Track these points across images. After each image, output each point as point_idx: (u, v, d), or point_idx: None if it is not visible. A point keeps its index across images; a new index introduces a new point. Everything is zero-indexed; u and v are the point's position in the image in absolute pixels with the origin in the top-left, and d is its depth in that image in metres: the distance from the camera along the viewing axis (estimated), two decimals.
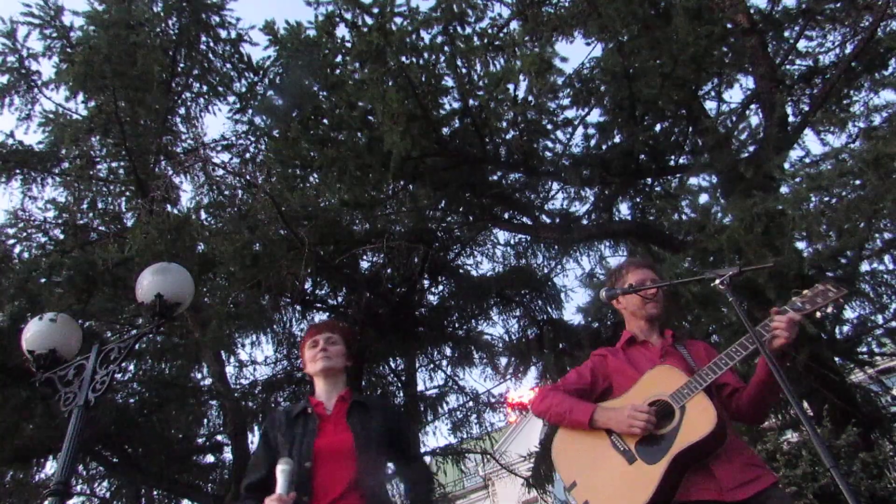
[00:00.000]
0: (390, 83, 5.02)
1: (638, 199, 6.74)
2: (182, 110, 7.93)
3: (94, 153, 7.41)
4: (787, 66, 6.67)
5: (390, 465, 2.32)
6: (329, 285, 7.82)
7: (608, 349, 2.48)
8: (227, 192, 7.42)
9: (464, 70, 5.32)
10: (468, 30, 5.36)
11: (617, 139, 6.01)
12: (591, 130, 6.12)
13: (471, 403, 8.75)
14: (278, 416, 2.30)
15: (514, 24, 6.60)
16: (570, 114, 6.03)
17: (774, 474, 2.15)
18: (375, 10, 5.16)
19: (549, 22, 6.36)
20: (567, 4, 6.42)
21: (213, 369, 7.29)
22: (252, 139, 7.69)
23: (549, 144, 6.06)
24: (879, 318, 5.53)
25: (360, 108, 5.22)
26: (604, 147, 6.01)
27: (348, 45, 5.58)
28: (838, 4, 6.18)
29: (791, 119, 6.03)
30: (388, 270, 7.37)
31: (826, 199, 4.18)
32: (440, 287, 8.55)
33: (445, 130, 5.57)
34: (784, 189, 4.65)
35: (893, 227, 4.42)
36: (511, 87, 5.19)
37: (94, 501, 7.85)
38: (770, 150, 4.89)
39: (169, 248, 5.35)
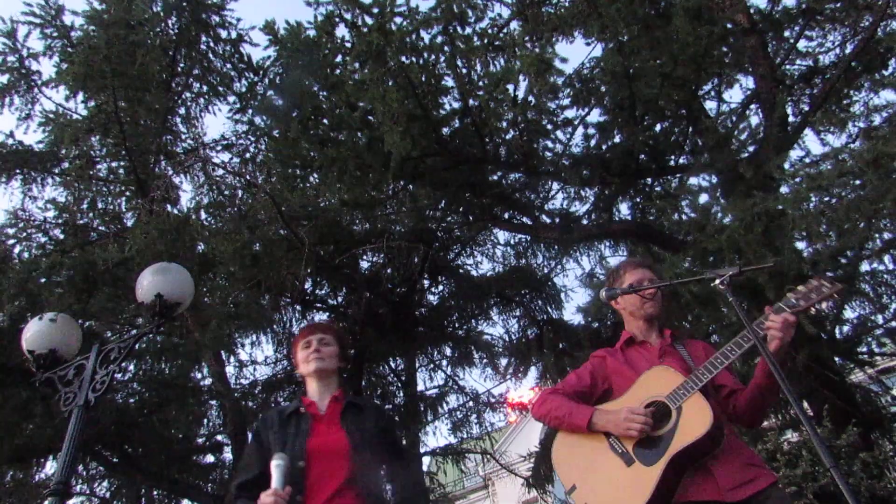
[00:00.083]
0: (390, 83, 5.02)
1: (638, 199, 6.74)
2: (182, 110, 7.93)
3: (94, 153, 7.40)
4: (787, 66, 6.67)
5: (384, 466, 2.33)
6: (329, 285, 7.82)
7: (607, 350, 2.48)
8: (227, 192, 7.42)
9: (464, 70, 5.32)
10: (468, 30, 5.37)
11: (617, 139, 6.01)
12: (591, 130, 6.13)
13: (471, 403, 8.76)
14: (270, 416, 2.29)
15: (514, 24, 6.61)
16: (570, 114, 6.04)
17: (774, 474, 2.15)
18: (375, 10, 5.16)
19: (549, 22, 6.35)
20: (567, 4, 6.41)
21: (213, 369, 7.30)
22: (252, 139, 7.70)
23: (549, 144, 6.07)
24: (879, 318, 5.54)
25: (361, 108, 5.22)
26: (604, 147, 6.01)
27: (348, 45, 5.58)
28: (838, 4, 6.17)
29: (791, 119, 6.03)
30: (388, 270, 7.38)
31: (826, 199, 4.18)
32: (440, 287, 8.56)
33: (445, 130, 5.57)
34: (784, 189, 4.65)
35: (893, 227, 4.42)
36: (511, 87, 5.20)
37: (94, 501, 7.84)
38: (770, 150, 4.89)
39: (169, 248, 5.35)
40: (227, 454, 7.76)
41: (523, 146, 5.70)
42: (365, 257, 7.71)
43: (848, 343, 5.59)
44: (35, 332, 3.77)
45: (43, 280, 5.57)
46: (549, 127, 5.87)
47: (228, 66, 7.66)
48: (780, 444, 5.15)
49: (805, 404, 5.33)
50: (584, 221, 6.84)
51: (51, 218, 7.25)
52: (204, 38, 7.45)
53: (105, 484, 7.76)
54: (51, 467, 6.92)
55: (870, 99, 6.01)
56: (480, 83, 5.29)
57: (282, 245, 5.94)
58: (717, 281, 2.07)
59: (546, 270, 8.48)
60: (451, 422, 8.66)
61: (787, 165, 4.87)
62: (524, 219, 6.93)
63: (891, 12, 5.60)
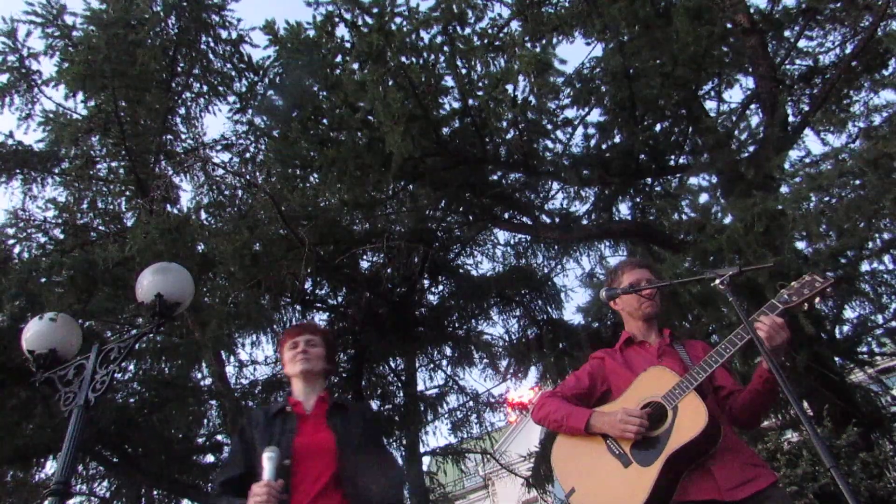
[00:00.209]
0: (390, 83, 5.02)
1: (638, 199, 6.74)
2: (182, 110, 7.92)
3: (93, 153, 7.41)
4: (787, 66, 6.67)
5: (367, 465, 2.34)
6: (329, 285, 7.82)
7: (606, 351, 2.48)
8: (227, 192, 7.42)
9: (463, 70, 5.32)
10: (468, 30, 5.37)
11: (617, 139, 6.01)
12: (591, 130, 6.13)
13: (471, 403, 8.76)
14: (256, 414, 2.30)
15: (514, 24, 6.61)
16: (570, 114, 6.04)
17: (774, 473, 2.15)
18: (375, 10, 5.16)
19: (549, 22, 6.35)
20: (567, 4, 6.41)
21: (213, 369, 7.29)
22: (252, 139, 7.69)
23: (549, 144, 6.07)
24: (879, 318, 5.54)
25: (361, 108, 5.22)
26: (604, 147, 6.01)
27: (348, 45, 5.58)
28: (838, 4, 6.17)
29: (791, 119, 6.03)
30: (388, 270, 7.38)
31: (826, 198, 4.18)
32: (440, 287, 8.56)
33: (445, 130, 5.57)
34: (784, 189, 4.65)
35: (893, 227, 4.42)
36: (511, 87, 5.20)
37: (93, 501, 7.84)
38: (770, 150, 4.89)
39: (169, 248, 5.35)
40: (227, 454, 7.76)
41: (523, 146, 5.70)
42: (365, 257, 7.71)
43: (848, 343, 5.59)
44: (35, 332, 3.77)
45: (43, 280, 5.57)
46: (549, 127, 5.88)
47: (228, 66, 7.66)
48: (780, 444, 5.15)
49: (805, 404, 5.33)
50: (584, 221, 6.84)
51: (51, 218, 7.26)
52: (204, 38, 7.45)
53: (105, 484, 7.76)
54: (51, 467, 6.92)
55: (870, 99, 6.02)
56: (480, 83, 5.29)
57: (282, 245, 5.93)
58: (717, 281, 2.07)
59: (546, 270, 8.49)
60: (451, 422, 8.66)
61: (787, 165, 4.88)
62: (524, 219, 6.93)
63: (891, 12, 5.59)
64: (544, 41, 6.12)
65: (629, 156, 5.72)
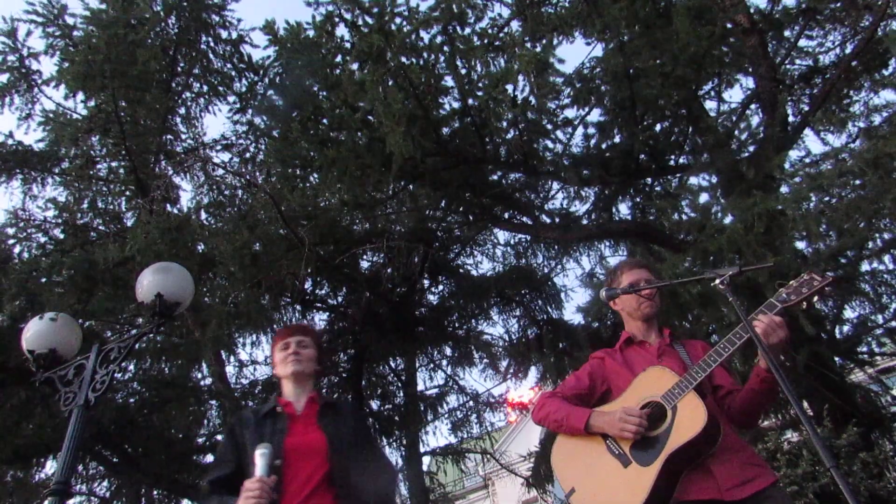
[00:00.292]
0: (390, 83, 5.02)
1: (638, 199, 6.74)
2: (182, 110, 7.93)
3: (93, 153, 7.41)
4: (787, 66, 6.67)
5: (360, 466, 2.34)
6: (329, 285, 7.81)
7: (606, 351, 2.49)
8: (227, 192, 7.42)
9: (463, 70, 5.32)
10: (468, 30, 5.37)
11: (617, 139, 6.01)
12: (591, 130, 6.13)
13: (471, 403, 8.76)
14: (246, 414, 2.30)
15: (514, 24, 6.61)
16: (570, 113, 6.05)
17: (774, 473, 2.15)
18: (375, 11, 5.16)
19: (549, 22, 6.35)
20: (567, 4, 6.41)
21: (213, 369, 7.29)
22: (252, 139, 7.70)
23: (549, 144, 6.06)
24: (879, 318, 5.54)
25: (361, 108, 5.22)
26: (604, 147, 6.01)
27: (348, 45, 5.58)
28: (838, 4, 6.17)
29: (791, 119, 6.03)
30: (388, 270, 7.37)
31: (826, 198, 4.18)
32: (440, 287, 8.55)
33: (445, 130, 5.57)
34: (784, 189, 4.65)
35: (893, 227, 4.42)
36: (511, 87, 5.19)
37: (93, 501, 7.84)
38: (770, 150, 4.89)
39: (169, 247, 5.35)
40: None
41: (523, 146, 5.69)
42: (365, 257, 7.71)
43: (848, 343, 5.59)
44: (35, 332, 3.77)
45: (43, 280, 5.57)
46: (549, 127, 5.87)
47: (228, 66, 7.67)
48: (781, 444, 5.15)
49: (805, 404, 5.33)
50: (584, 221, 6.84)
51: (51, 217, 7.26)
52: (204, 38, 7.46)
53: (105, 484, 7.76)
54: (51, 467, 6.92)
55: (870, 99, 6.02)
56: (480, 83, 5.29)
57: (282, 245, 5.93)
58: (717, 281, 2.07)
59: (546, 270, 8.49)
60: (451, 422, 8.66)
61: (787, 165, 4.88)
62: (524, 219, 6.93)
63: (891, 12, 5.59)
64: (544, 41, 6.12)
65: (629, 156, 5.72)
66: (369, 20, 5.21)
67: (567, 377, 2.53)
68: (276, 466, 2.03)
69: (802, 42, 6.61)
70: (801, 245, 4.40)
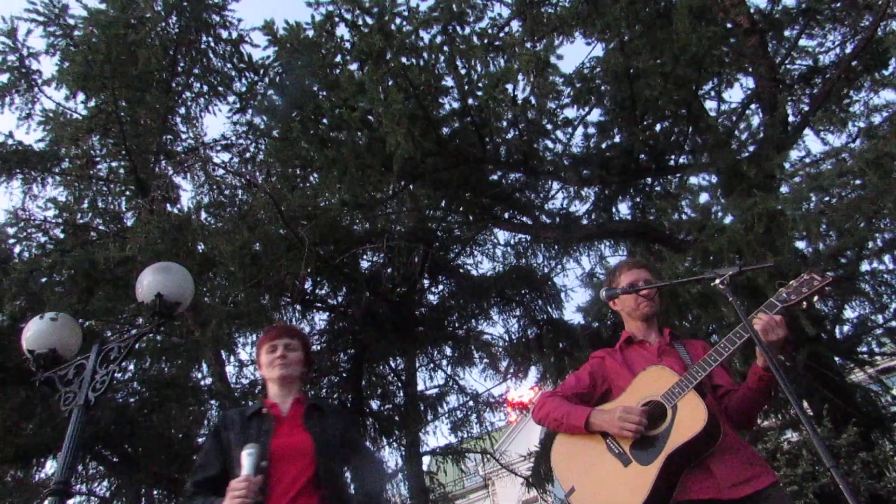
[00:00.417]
0: (390, 83, 5.02)
1: (638, 199, 6.75)
2: (182, 110, 7.94)
3: (94, 153, 7.41)
4: (788, 66, 6.67)
5: (347, 467, 2.33)
6: (329, 285, 7.82)
7: (606, 350, 2.49)
8: (227, 192, 7.43)
9: (463, 70, 5.32)
10: (467, 30, 5.37)
11: (617, 139, 6.01)
12: (591, 130, 6.14)
13: (471, 403, 8.75)
14: (231, 415, 2.28)
15: (514, 24, 6.61)
16: (570, 113, 6.07)
17: (774, 473, 2.14)
18: (375, 10, 5.16)
19: (549, 22, 6.35)
20: (567, 4, 6.41)
21: (213, 369, 7.29)
22: (252, 139, 7.70)
23: (549, 144, 6.07)
24: (879, 318, 5.54)
25: (360, 108, 5.22)
26: (604, 147, 6.01)
27: (348, 45, 5.59)
28: (838, 4, 6.18)
29: (791, 119, 6.03)
30: (388, 270, 7.37)
31: (826, 198, 4.18)
32: (440, 287, 8.56)
33: (445, 130, 5.57)
34: (784, 189, 4.65)
35: (893, 227, 4.42)
36: (510, 86, 5.20)
37: (93, 501, 7.84)
38: (770, 150, 4.89)
39: (169, 247, 5.35)
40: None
41: (523, 146, 5.70)
42: (365, 257, 7.71)
43: (848, 343, 5.59)
44: (35, 332, 3.76)
45: (43, 279, 5.57)
46: (549, 127, 5.88)
47: (228, 66, 7.67)
48: (780, 444, 5.15)
49: (805, 404, 5.33)
50: (584, 221, 6.84)
51: (51, 217, 7.25)
52: (204, 38, 7.46)
53: (105, 484, 7.75)
54: (51, 467, 6.91)
55: (870, 99, 6.02)
56: (480, 83, 5.29)
57: (282, 245, 5.93)
58: (717, 281, 2.07)
59: (546, 270, 8.48)
60: (451, 422, 8.65)
61: (787, 165, 4.88)
62: (524, 219, 6.93)
63: (891, 12, 5.60)
64: (545, 41, 6.12)
65: (629, 155, 5.72)
66: (369, 20, 5.21)
67: (567, 377, 2.53)
68: (262, 468, 2.01)
69: (802, 42, 6.62)
70: (801, 245, 4.40)
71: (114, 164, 7.56)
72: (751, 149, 5.37)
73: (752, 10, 6.19)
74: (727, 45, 5.65)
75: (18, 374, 5.26)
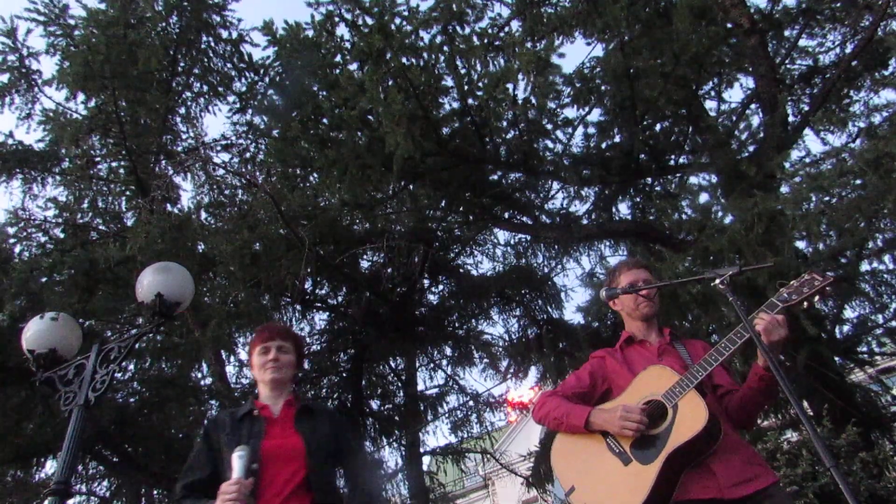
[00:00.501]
0: (390, 83, 5.02)
1: (638, 199, 6.75)
2: (182, 110, 7.93)
3: (94, 152, 7.41)
4: (787, 66, 6.67)
5: (338, 468, 2.32)
6: (329, 285, 7.82)
7: (607, 350, 2.49)
8: (227, 192, 7.43)
9: (463, 70, 5.32)
10: (467, 30, 5.37)
11: (617, 139, 6.01)
12: (591, 130, 6.14)
13: (471, 403, 8.75)
14: (221, 417, 2.27)
15: (514, 24, 6.61)
16: (570, 113, 6.07)
17: (775, 473, 2.14)
18: (375, 10, 5.16)
19: (549, 22, 6.35)
20: (567, 4, 6.42)
21: (213, 369, 7.29)
22: (252, 139, 7.70)
23: (549, 144, 6.07)
24: (879, 318, 5.55)
25: (360, 107, 5.22)
26: (604, 147, 6.02)
27: (348, 45, 5.59)
28: (838, 4, 6.18)
29: (791, 119, 6.03)
30: (388, 270, 7.38)
31: (826, 198, 4.17)
32: (440, 287, 8.56)
33: (445, 130, 5.57)
34: (784, 189, 4.65)
35: (893, 227, 4.42)
36: (511, 86, 5.20)
37: (93, 501, 7.84)
38: (771, 150, 4.89)
39: (169, 247, 5.35)
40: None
41: (523, 146, 5.70)
42: (365, 257, 7.71)
43: (848, 343, 5.59)
44: (35, 332, 3.76)
45: (44, 279, 5.57)
46: (549, 127, 5.88)
47: (228, 65, 7.66)
48: (780, 444, 5.15)
49: (805, 404, 5.33)
50: (584, 221, 6.85)
51: (51, 217, 7.26)
52: (205, 38, 7.45)
53: (105, 484, 7.76)
54: (51, 467, 6.92)
55: (870, 98, 6.02)
56: (480, 83, 5.29)
57: (282, 245, 5.93)
58: (717, 281, 2.08)
59: (546, 270, 8.48)
60: (451, 421, 8.65)
61: (787, 165, 4.88)
62: (524, 218, 6.93)
63: (891, 12, 5.59)
64: (545, 41, 6.12)
65: (629, 155, 5.72)
66: (369, 20, 5.21)
67: (567, 376, 2.53)
68: (253, 470, 2.01)
69: (802, 42, 6.62)
70: (801, 245, 4.40)
71: (114, 164, 7.56)
72: (751, 149, 5.37)
73: (752, 10, 6.20)
74: (727, 45, 5.65)
75: (18, 374, 5.26)
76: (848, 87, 5.88)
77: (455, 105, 5.47)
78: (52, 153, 7.34)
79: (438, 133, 5.43)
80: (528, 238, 8.21)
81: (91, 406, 3.41)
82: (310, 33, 5.62)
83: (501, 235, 8.59)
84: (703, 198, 5.10)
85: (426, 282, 8.23)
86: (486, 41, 5.49)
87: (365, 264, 7.92)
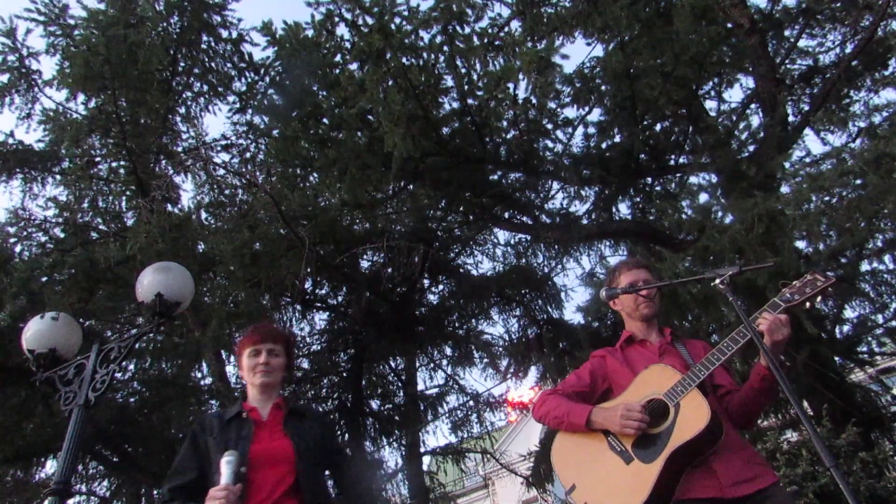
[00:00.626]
0: (390, 83, 5.02)
1: (638, 199, 6.74)
2: (182, 110, 7.92)
3: (94, 152, 7.41)
4: (788, 66, 6.67)
5: (327, 472, 2.31)
6: (329, 285, 7.82)
7: (607, 350, 2.49)
8: (227, 192, 7.43)
9: (463, 70, 5.32)
10: (467, 29, 5.37)
11: (617, 139, 6.01)
12: (591, 130, 6.14)
13: (471, 403, 8.75)
14: (209, 419, 2.25)
15: (514, 24, 6.61)
16: (570, 113, 6.07)
17: (775, 473, 2.14)
18: (375, 10, 5.16)
19: (549, 22, 6.35)
20: (567, 4, 6.42)
21: (213, 369, 7.29)
22: (252, 139, 7.70)
23: (550, 144, 6.08)
24: (879, 318, 5.54)
25: (360, 107, 5.22)
26: (604, 146, 6.02)
27: (348, 44, 5.59)
28: (838, 4, 6.18)
29: (791, 119, 6.04)
30: (389, 270, 7.38)
31: (826, 198, 4.18)
32: (440, 287, 8.56)
33: (445, 130, 5.57)
34: (785, 189, 4.65)
35: (893, 227, 4.42)
36: (511, 86, 5.20)
37: (93, 501, 7.84)
38: (771, 150, 4.89)
39: (169, 247, 5.35)
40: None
41: (523, 146, 5.70)
42: (365, 257, 7.71)
43: (848, 343, 5.59)
44: (35, 332, 3.76)
45: (44, 279, 5.57)
46: (550, 126, 5.88)
47: (229, 65, 7.65)
48: (780, 444, 5.15)
49: (805, 404, 5.33)
50: (584, 221, 6.85)
51: (51, 217, 7.26)
52: (205, 38, 7.45)
53: (105, 484, 7.76)
54: (51, 467, 6.92)
55: (870, 98, 6.03)
56: (480, 83, 5.29)
57: (282, 244, 5.94)
58: (717, 281, 2.08)
59: (546, 270, 8.49)
60: (451, 421, 8.65)
61: (787, 165, 4.88)
62: (524, 218, 6.93)
63: (891, 12, 5.59)
64: (546, 41, 6.12)
65: (629, 155, 5.72)
66: (369, 20, 5.21)
67: (568, 375, 2.52)
68: (241, 474, 1.99)
69: (802, 42, 6.63)
70: (801, 245, 4.40)
71: (114, 164, 7.55)
72: (751, 149, 5.37)
73: (752, 10, 6.20)
74: (727, 45, 5.65)
75: (18, 373, 5.26)
76: (848, 86, 5.88)
77: (455, 105, 5.48)
78: (52, 153, 7.34)
79: (438, 133, 5.43)
80: (528, 238, 8.22)
81: (91, 406, 3.41)
82: (310, 33, 5.62)
83: (501, 235, 8.60)
84: (703, 198, 5.10)
85: (426, 282, 8.23)
86: (486, 41, 5.49)
87: (365, 264, 7.93)
